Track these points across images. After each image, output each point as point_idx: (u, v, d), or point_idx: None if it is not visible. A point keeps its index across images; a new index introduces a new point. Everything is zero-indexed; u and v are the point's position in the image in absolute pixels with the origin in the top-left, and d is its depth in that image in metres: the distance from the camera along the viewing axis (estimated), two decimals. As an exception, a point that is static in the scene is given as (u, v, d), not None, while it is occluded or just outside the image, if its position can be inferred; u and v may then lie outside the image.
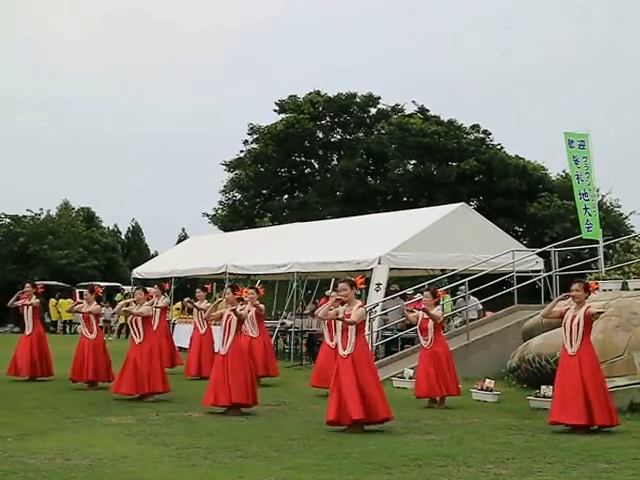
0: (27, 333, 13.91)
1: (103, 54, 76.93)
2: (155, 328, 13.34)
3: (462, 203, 18.98)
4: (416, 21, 72.04)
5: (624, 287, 12.59)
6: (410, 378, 12.36)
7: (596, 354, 8.82)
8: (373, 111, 42.26)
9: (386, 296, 15.86)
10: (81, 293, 23.40)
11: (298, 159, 43.11)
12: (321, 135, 42.26)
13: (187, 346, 15.96)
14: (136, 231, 50.47)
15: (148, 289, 12.84)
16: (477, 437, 8.29)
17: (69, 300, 27.35)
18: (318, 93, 41.70)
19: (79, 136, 72.39)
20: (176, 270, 22.56)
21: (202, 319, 14.93)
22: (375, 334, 14.91)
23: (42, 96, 68.93)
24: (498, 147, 38.62)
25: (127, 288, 28.60)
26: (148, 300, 12.06)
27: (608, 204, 35.53)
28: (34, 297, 14.03)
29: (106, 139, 71.43)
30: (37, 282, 16.34)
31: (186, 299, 17.51)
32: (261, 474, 6.49)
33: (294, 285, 18.59)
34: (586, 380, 8.50)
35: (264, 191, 42.62)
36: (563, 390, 8.63)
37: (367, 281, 15.53)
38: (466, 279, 15.54)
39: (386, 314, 15.91)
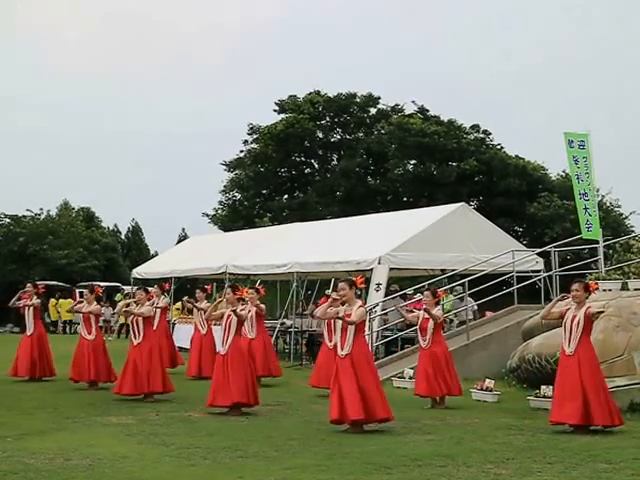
0: (28, 333, 13.91)
1: (103, 54, 77.01)
2: (155, 328, 13.34)
3: (462, 203, 18.99)
4: (416, 21, 72.11)
5: (624, 287, 12.59)
6: (410, 378, 12.36)
7: (596, 354, 8.82)
8: (373, 111, 42.27)
9: (386, 296, 15.86)
10: (81, 293, 23.39)
11: (298, 159, 43.11)
12: (321, 135, 42.26)
13: (187, 346, 15.97)
14: (136, 231, 50.47)
15: (149, 289, 12.84)
16: (477, 437, 8.29)
17: (69, 300, 27.34)
18: (318, 93, 41.70)
19: (79, 136, 72.47)
20: (176, 270, 22.57)
21: (203, 319, 14.95)
22: (375, 334, 14.91)
23: (42, 96, 68.95)
24: (498, 147, 38.63)
25: (127, 288, 28.59)
26: (149, 300, 12.07)
27: (608, 204, 35.52)
28: (35, 297, 14.03)
29: (106, 139, 71.49)
30: (38, 282, 16.33)
31: (185, 298, 17.53)
32: (261, 474, 6.50)
33: (294, 285, 18.59)
34: (585, 380, 8.50)
35: (264, 191, 42.62)
36: (563, 390, 8.64)
37: (367, 281, 15.55)
38: (466, 279, 15.55)
39: (386, 314, 15.91)
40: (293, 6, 74.98)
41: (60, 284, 33.17)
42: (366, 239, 17.56)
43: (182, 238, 44.00)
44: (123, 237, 50.26)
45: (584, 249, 19.88)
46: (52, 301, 30.32)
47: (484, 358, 13.89)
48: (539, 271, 16.88)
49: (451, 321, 16.53)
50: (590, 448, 7.61)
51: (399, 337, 15.76)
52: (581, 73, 66.83)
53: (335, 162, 42.71)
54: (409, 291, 17.57)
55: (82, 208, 44.30)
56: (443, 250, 16.52)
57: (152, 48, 75.19)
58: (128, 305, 11.70)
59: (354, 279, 9.13)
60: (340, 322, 8.73)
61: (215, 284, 23.76)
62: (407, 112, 40.47)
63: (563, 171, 36.21)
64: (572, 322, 8.69)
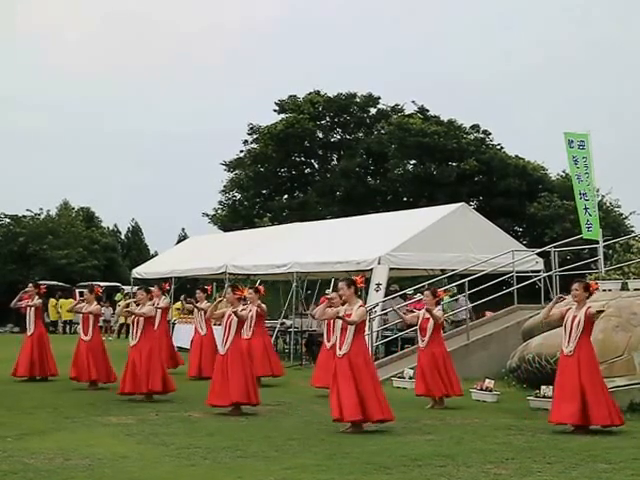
0: (28, 333, 13.91)
1: (103, 54, 77.00)
2: (156, 328, 13.33)
3: (462, 203, 18.99)
4: (416, 21, 72.10)
5: (624, 287, 12.60)
6: (410, 378, 12.35)
7: (595, 355, 8.82)
8: (373, 111, 42.25)
9: (386, 296, 15.86)
10: (81, 293, 23.38)
11: (298, 159, 43.09)
12: (321, 135, 42.24)
13: (187, 346, 15.96)
14: (136, 231, 50.47)
15: (151, 289, 12.84)
16: (477, 437, 8.29)
17: (70, 300, 27.33)
18: (318, 93, 41.69)
19: (79, 136, 72.45)
20: (176, 270, 22.56)
21: (203, 320, 14.96)
22: (375, 334, 14.90)
23: (42, 96, 68.95)
24: (498, 147, 38.61)
25: (127, 288, 28.58)
26: (151, 300, 12.06)
27: (608, 204, 35.51)
28: (37, 297, 14.03)
29: (106, 139, 71.48)
30: (39, 282, 16.32)
31: (182, 296, 17.52)
32: (261, 474, 6.50)
33: (294, 285, 18.59)
34: (584, 381, 8.49)
35: (264, 191, 42.60)
36: (562, 390, 8.64)
37: (367, 281, 15.54)
38: (466, 279, 15.55)
39: (386, 314, 15.91)
40: (293, 6, 75.05)
41: (60, 284, 33.17)
42: (366, 239, 17.55)
43: (182, 238, 44.01)
44: (123, 237, 50.27)
45: (584, 249, 19.88)
46: (52, 301, 30.30)
47: (484, 358, 13.89)
48: (539, 271, 16.88)
49: (452, 322, 16.53)
50: (590, 448, 7.61)
51: (399, 337, 15.76)
52: (581, 73, 66.90)
53: (335, 162, 42.69)
54: (409, 291, 17.57)
55: (82, 208, 44.29)
56: (443, 250, 16.52)
57: (152, 48, 75.26)
58: (128, 305, 11.69)
59: (354, 278, 9.13)
60: (340, 322, 8.73)
61: (215, 284, 23.76)
62: (407, 112, 40.45)
63: (563, 171, 36.22)
64: (572, 322, 8.69)
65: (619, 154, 54.00)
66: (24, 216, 38.94)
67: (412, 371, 12.30)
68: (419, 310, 11.76)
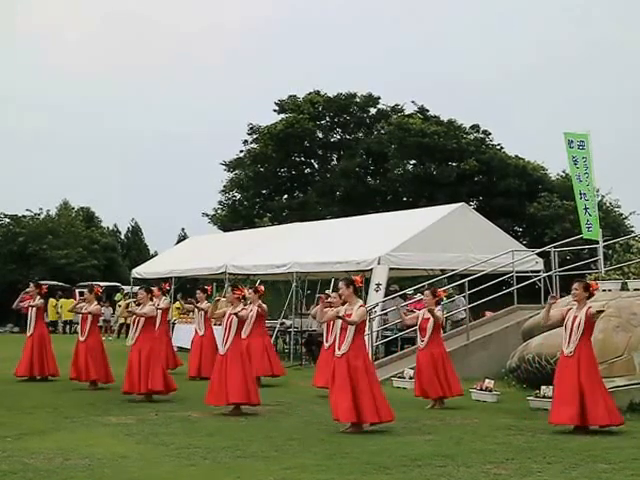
0: (28, 334, 13.91)
1: (103, 54, 77.02)
2: (156, 329, 13.32)
3: (462, 203, 18.99)
4: (416, 21, 72.13)
5: (624, 287, 12.59)
6: (410, 378, 12.34)
7: (594, 355, 8.81)
8: (373, 111, 42.23)
9: (386, 296, 15.86)
10: (81, 293, 23.39)
11: (298, 159, 43.08)
12: (321, 135, 42.23)
13: (187, 346, 15.95)
14: (136, 231, 50.47)
15: (152, 289, 12.83)
16: (477, 437, 8.28)
17: (71, 300, 27.33)
18: (318, 93, 41.68)
19: (79, 136, 72.48)
20: (176, 270, 22.56)
21: (202, 320, 14.95)
22: (375, 334, 14.90)
23: (42, 96, 68.95)
24: (498, 147, 38.59)
25: (127, 288, 28.59)
26: (152, 300, 12.06)
27: (608, 204, 35.51)
28: (38, 298, 14.02)
29: (106, 139, 71.50)
30: (41, 283, 16.32)
31: (179, 295, 17.50)
32: (260, 474, 6.50)
33: (294, 285, 18.58)
34: (583, 381, 8.49)
35: (264, 191, 42.59)
36: (561, 391, 8.64)
37: (367, 281, 15.54)
38: (466, 279, 15.55)
39: (386, 314, 15.90)
40: (293, 6, 75.07)
41: (60, 284, 33.16)
42: (366, 239, 17.55)
43: (182, 238, 44.01)
44: (123, 237, 50.26)
45: (584, 249, 19.88)
46: (52, 301, 30.29)
47: (484, 358, 13.89)
48: (539, 271, 16.88)
49: (451, 322, 16.53)
50: (590, 448, 7.61)
51: (399, 337, 15.75)
52: (581, 73, 66.93)
53: (335, 162, 42.68)
54: (409, 291, 17.56)
55: (82, 208, 44.28)
56: (443, 250, 16.51)
57: (152, 48, 75.29)
58: (128, 305, 11.69)
59: (353, 278, 9.12)
60: (339, 321, 8.72)
61: (215, 284, 23.76)
62: (407, 112, 40.43)
63: (563, 171, 36.21)
64: (573, 323, 8.68)
65: (619, 154, 54.03)
66: (24, 216, 38.93)
67: (412, 371, 12.28)
68: (419, 310, 11.76)
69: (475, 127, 39.11)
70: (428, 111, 39.57)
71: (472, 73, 65.35)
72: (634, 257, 14.48)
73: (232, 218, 41.18)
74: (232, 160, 42.77)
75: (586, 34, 66.32)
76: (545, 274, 16.52)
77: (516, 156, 37.82)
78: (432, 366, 10.75)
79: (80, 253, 38.18)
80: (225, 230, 37.02)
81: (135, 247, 48.77)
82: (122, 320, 26.66)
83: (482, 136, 38.98)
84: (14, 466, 6.69)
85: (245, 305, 10.75)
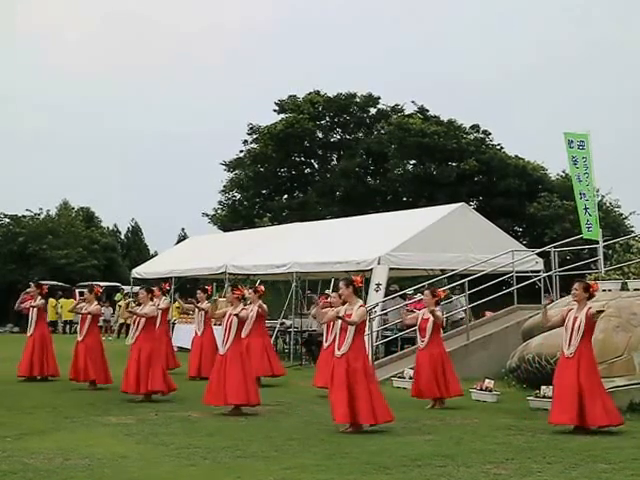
0: (28, 334, 13.90)
1: (103, 54, 77.06)
2: (156, 329, 13.32)
3: (462, 203, 18.98)
4: (416, 21, 72.15)
5: (624, 287, 12.59)
6: (410, 378, 12.33)
7: (594, 357, 8.80)
8: (373, 111, 42.25)
9: (386, 296, 15.85)
10: (81, 293, 23.39)
11: (298, 159, 43.09)
12: (321, 135, 42.24)
13: (187, 346, 15.94)
14: (136, 231, 50.46)
15: (153, 289, 12.82)
16: (476, 437, 8.28)
17: (71, 300, 27.32)
18: (318, 93, 41.69)
19: (79, 136, 72.51)
20: (176, 270, 22.55)
21: (202, 320, 14.94)
22: (375, 334, 14.90)
23: (42, 96, 69.00)
24: (498, 147, 38.61)
25: (127, 288, 28.58)
26: (153, 300, 12.06)
27: (608, 204, 35.52)
28: (39, 298, 14.01)
29: (106, 139, 71.53)
30: (42, 283, 16.31)
31: (176, 294, 17.49)
32: (260, 474, 6.50)
33: (293, 285, 18.58)
34: (582, 383, 8.48)
35: (264, 191, 42.60)
36: (561, 391, 8.63)
37: (367, 281, 15.53)
38: (466, 279, 15.55)
39: (386, 314, 15.90)
40: (293, 6, 75.10)
41: (60, 284, 33.15)
42: (366, 239, 17.54)
43: (182, 238, 44.00)
44: (123, 237, 50.25)
45: (584, 249, 19.87)
46: (52, 301, 30.27)
47: (484, 358, 13.89)
48: (539, 271, 16.87)
49: (452, 322, 16.52)
50: (590, 448, 7.61)
51: (399, 337, 15.75)
52: (581, 73, 66.95)
53: (335, 162, 42.69)
54: (409, 291, 17.55)
55: (82, 208, 44.27)
56: (443, 250, 16.51)
57: (152, 48, 75.35)
58: (128, 305, 11.70)
59: (353, 278, 9.11)
60: (339, 321, 8.71)
61: (215, 284, 23.76)
62: (407, 112, 40.45)
63: (563, 171, 36.23)
64: (573, 324, 8.67)
65: (619, 154, 54.08)
66: (24, 216, 38.93)
67: (412, 371, 12.28)
68: (419, 310, 11.75)
69: (475, 127, 39.13)
70: (428, 111, 39.59)
71: (472, 73, 65.45)
72: (634, 257, 14.48)
73: (232, 218, 41.19)
74: (232, 160, 42.79)
75: (586, 34, 66.43)
76: (545, 274, 16.51)
77: (516, 156, 37.84)
78: (431, 367, 10.73)
79: (80, 253, 38.18)
80: (225, 230, 37.02)
81: (135, 247, 48.77)
82: (122, 320, 26.65)
83: (482, 136, 39.01)
84: (14, 466, 6.69)
85: (245, 305, 10.74)
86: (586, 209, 14.45)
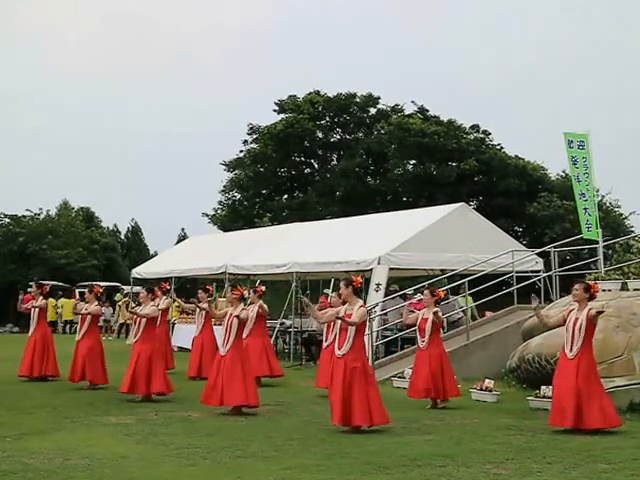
0: (29, 334, 13.90)
1: (103, 54, 77.09)
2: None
3: (462, 203, 18.98)
4: (416, 21, 72.16)
5: (623, 287, 12.59)
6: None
7: (594, 358, 8.79)
8: (373, 111, 42.26)
9: (386, 296, 15.85)
10: (81, 293, 23.38)
11: (298, 159, 43.10)
12: (321, 135, 42.25)
13: (187, 346, 15.94)
14: (136, 231, 50.45)
15: (154, 289, 12.82)
16: (476, 437, 8.28)
17: (71, 300, 27.31)
18: (318, 93, 41.70)
19: (79, 136, 72.54)
20: (176, 270, 22.55)
21: (202, 320, 14.94)
22: (375, 334, 14.89)
23: (42, 96, 69.03)
24: (498, 147, 38.62)
25: (127, 288, 28.57)
26: (154, 300, 12.05)
27: (608, 204, 35.52)
28: (41, 298, 14.00)
29: (106, 139, 71.56)
30: (42, 282, 16.30)
31: (173, 294, 17.48)
32: (260, 474, 6.50)
33: (293, 285, 18.58)
34: (580, 385, 8.47)
35: (264, 191, 42.61)
36: (560, 393, 8.63)
37: (367, 281, 15.53)
38: (466, 279, 15.54)
39: (386, 314, 15.89)
40: (293, 6, 75.12)
41: (60, 284, 33.14)
42: (366, 239, 17.54)
43: (182, 238, 44.00)
44: (123, 237, 50.24)
45: (584, 249, 19.88)
46: (52, 301, 30.26)
47: (484, 358, 13.88)
48: (539, 271, 16.88)
49: (450, 323, 16.51)
50: (590, 448, 7.61)
51: (399, 337, 15.74)
52: (581, 73, 66.98)
53: (335, 162, 42.70)
54: (409, 291, 17.55)
55: (82, 208, 44.27)
56: (443, 250, 16.51)
57: (152, 48, 75.39)
58: (128, 305, 11.70)
59: (352, 278, 9.10)
60: (340, 321, 8.71)
61: (215, 284, 23.76)
62: (407, 112, 40.46)
63: (563, 171, 36.24)
64: (574, 325, 8.66)
65: (619, 154, 54.11)
66: (24, 216, 38.92)
67: (412, 371, 12.28)
68: (419, 310, 11.75)
69: (475, 127, 39.13)
70: (428, 111, 39.60)
71: (472, 73, 65.47)
72: (634, 257, 14.48)
73: (232, 218, 41.20)
74: (232, 160, 42.80)
75: (586, 34, 66.45)
76: (545, 274, 16.52)
77: (516, 156, 37.85)
78: (429, 367, 10.71)
79: (80, 253, 38.16)
80: (225, 230, 37.03)
81: (135, 247, 48.75)
82: (122, 320, 26.65)
83: (482, 136, 39.01)
84: (14, 466, 6.69)
85: (245, 305, 10.74)
86: (586, 209, 14.45)
